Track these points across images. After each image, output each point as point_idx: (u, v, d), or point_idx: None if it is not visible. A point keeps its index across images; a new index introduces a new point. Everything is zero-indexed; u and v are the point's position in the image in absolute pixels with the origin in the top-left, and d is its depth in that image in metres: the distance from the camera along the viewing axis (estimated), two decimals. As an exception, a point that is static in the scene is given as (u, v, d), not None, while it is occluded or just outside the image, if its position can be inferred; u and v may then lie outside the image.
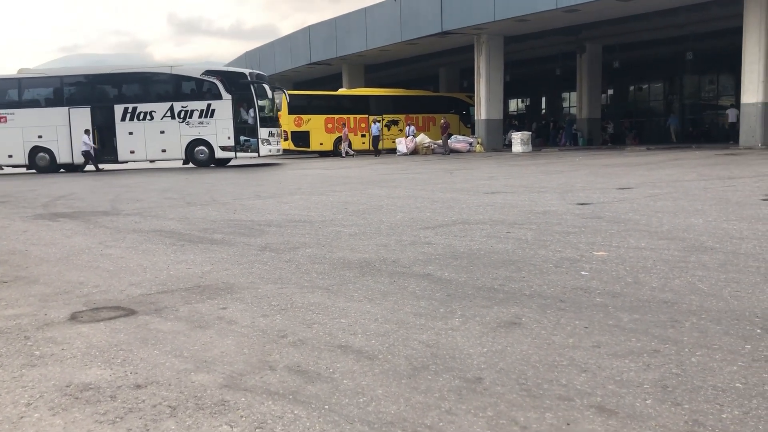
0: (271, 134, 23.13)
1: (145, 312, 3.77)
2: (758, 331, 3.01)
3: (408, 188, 11.34)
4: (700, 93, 35.73)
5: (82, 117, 23.22)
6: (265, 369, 2.77)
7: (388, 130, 32.31)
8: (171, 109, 22.74)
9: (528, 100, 45.73)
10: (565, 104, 42.13)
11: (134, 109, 23.00)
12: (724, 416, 2.17)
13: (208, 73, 23.02)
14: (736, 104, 25.51)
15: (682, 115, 35.21)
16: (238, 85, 22.45)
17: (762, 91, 20.45)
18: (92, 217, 8.68)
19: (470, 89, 31.76)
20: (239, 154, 22.76)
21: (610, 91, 39.29)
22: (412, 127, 30.38)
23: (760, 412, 2.18)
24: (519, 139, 27.53)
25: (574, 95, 35.99)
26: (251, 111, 22.50)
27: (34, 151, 23.56)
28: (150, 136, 22.95)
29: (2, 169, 24.76)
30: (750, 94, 20.78)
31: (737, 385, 2.41)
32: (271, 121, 23.51)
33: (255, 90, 22.47)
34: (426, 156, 28.08)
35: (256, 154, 22.81)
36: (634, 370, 2.59)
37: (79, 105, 23.31)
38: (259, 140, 22.47)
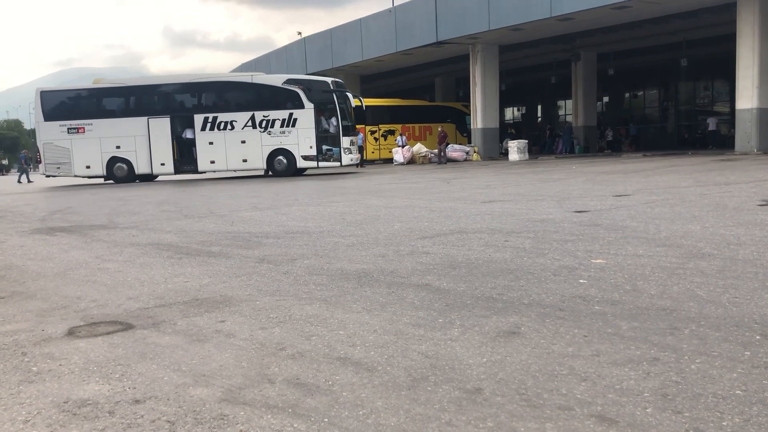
0: (351, 143, 22.94)
1: (143, 326, 3.75)
2: (757, 337, 3.01)
3: (405, 198, 11.34)
4: (695, 99, 35.87)
5: (162, 127, 23.13)
6: (264, 382, 2.76)
7: (385, 140, 32.37)
8: (252, 118, 22.41)
9: (524, 108, 45.87)
10: (561, 112, 42.26)
11: (214, 118, 22.74)
12: (724, 424, 2.17)
13: (290, 81, 22.56)
14: (731, 110, 25.63)
15: (677, 121, 35.30)
16: (320, 93, 22.14)
17: (756, 96, 20.55)
18: (89, 231, 8.67)
19: (466, 98, 31.87)
20: (321, 164, 22.44)
21: (606, 99, 39.44)
22: (404, 137, 30.48)
23: (761, 419, 2.18)
24: (515, 148, 27.60)
25: (569, 103, 36.10)
26: (333, 120, 22.21)
27: (112, 161, 23.46)
28: (231, 146, 22.68)
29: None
30: (744, 99, 20.88)
31: (737, 392, 2.41)
32: (351, 130, 23.27)
33: (337, 98, 22.12)
34: (423, 165, 28.12)
35: (339, 164, 22.48)
36: (634, 379, 2.59)
37: (158, 115, 23.16)
38: (342, 149, 22.25)
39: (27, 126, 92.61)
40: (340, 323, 3.61)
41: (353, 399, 2.53)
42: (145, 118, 23.07)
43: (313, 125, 22.04)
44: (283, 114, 22.17)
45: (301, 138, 22.13)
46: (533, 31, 25.72)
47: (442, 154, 28.42)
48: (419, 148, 30.03)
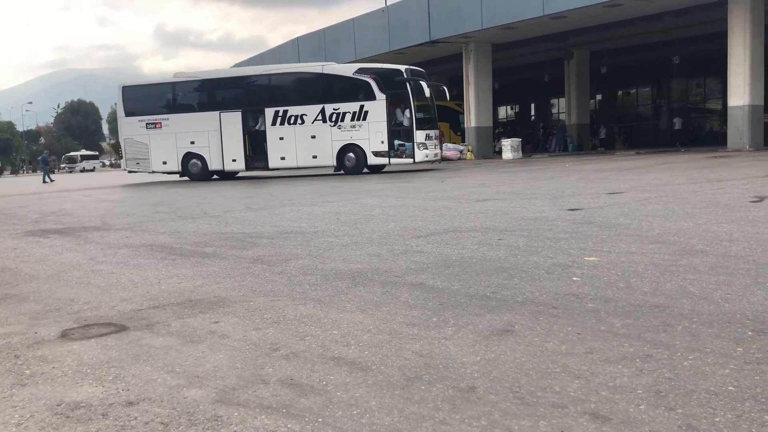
0: (428, 137, 20.67)
1: (137, 328, 3.75)
2: (749, 333, 3.02)
3: (399, 197, 11.34)
4: (687, 96, 35.99)
5: (234, 121, 22.14)
6: (257, 383, 2.76)
7: None
8: (322, 111, 20.86)
9: (517, 106, 45.93)
10: (554, 110, 42.34)
11: (285, 112, 21.43)
12: (717, 420, 2.18)
13: (361, 71, 20.64)
14: (723, 107, 25.73)
15: (670, 118, 35.44)
16: (392, 83, 20.04)
17: (748, 93, 20.62)
18: (83, 233, 8.64)
19: (459, 97, 31.90)
20: (393, 160, 20.49)
21: (599, 97, 39.53)
22: None
23: (753, 415, 2.19)
24: (509, 146, 27.64)
25: (563, 101, 36.18)
26: (407, 112, 20.16)
27: (187, 157, 22.91)
28: (301, 142, 21.30)
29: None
30: (737, 97, 20.95)
31: (730, 388, 2.42)
32: (428, 123, 21.03)
33: (411, 88, 19.94)
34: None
35: (411, 160, 20.33)
36: (627, 376, 2.59)
37: (230, 109, 22.22)
38: (415, 144, 20.07)
39: (20, 128, 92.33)
40: (334, 323, 3.61)
41: (347, 399, 2.53)
42: (217, 112, 22.24)
43: (385, 118, 20.14)
44: (353, 106, 20.42)
45: (372, 132, 20.32)
46: (526, 30, 25.75)
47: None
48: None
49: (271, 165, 22.01)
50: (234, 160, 22.39)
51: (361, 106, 20.35)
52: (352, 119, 20.48)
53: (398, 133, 20.27)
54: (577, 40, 28.92)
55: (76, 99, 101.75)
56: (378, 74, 20.33)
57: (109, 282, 5.17)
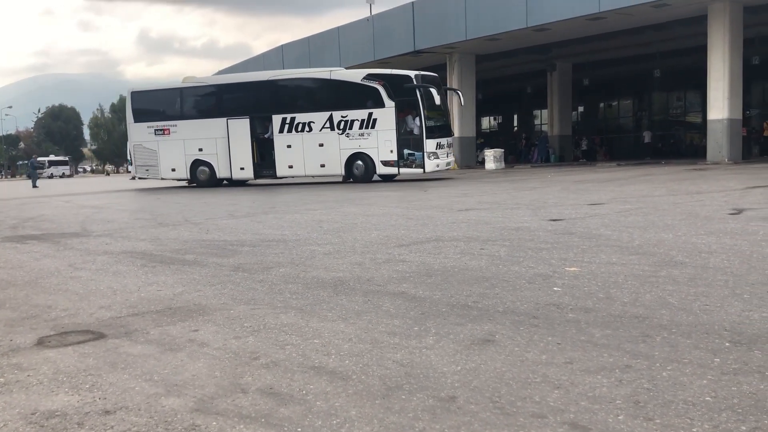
0: (439, 146, 19.60)
1: (115, 335, 3.70)
2: (727, 344, 3.05)
3: (383, 206, 11.35)
4: (668, 109, 36.43)
5: (242, 128, 21.46)
6: (237, 392, 2.74)
7: None
8: (330, 119, 20.09)
9: (500, 117, 46.19)
10: (537, 121, 42.63)
11: (292, 119, 20.72)
12: (694, 430, 2.19)
13: (370, 77, 19.67)
14: (703, 120, 26.09)
15: (650, 131, 35.86)
16: (402, 89, 19.08)
17: (727, 107, 20.91)
18: (62, 239, 8.54)
19: (443, 107, 31.94)
20: (402, 170, 19.53)
21: (581, 108, 39.88)
22: None
23: (729, 426, 2.21)
24: (492, 157, 27.77)
25: (545, 112, 36.45)
26: (417, 120, 19.14)
27: (195, 164, 22.35)
28: (309, 150, 20.51)
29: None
30: (716, 110, 21.23)
31: (707, 398, 2.44)
32: (440, 131, 20.06)
33: (421, 95, 18.83)
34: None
35: (421, 170, 19.32)
36: (607, 386, 2.60)
37: (237, 116, 21.52)
38: (425, 154, 19.06)
39: (0, 132, 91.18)
40: (315, 332, 3.59)
41: (327, 408, 2.52)
42: (225, 119, 21.61)
43: (394, 126, 19.30)
44: (362, 114, 19.61)
45: (380, 141, 19.50)
46: (509, 41, 25.94)
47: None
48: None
49: (278, 173, 21.40)
50: (242, 168, 21.84)
51: (370, 114, 19.58)
52: (361, 127, 19.75)
53: (408, 141, 19.38)
54: (560, 52, 29.18)
55: (57, 104, 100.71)
56: (387, 80, 19.47)
57: (88, 289, 5.11)
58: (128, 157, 24.06)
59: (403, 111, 19.30)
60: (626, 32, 24.78)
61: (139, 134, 22.99)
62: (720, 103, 21.02)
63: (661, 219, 7.57)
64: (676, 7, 20.64)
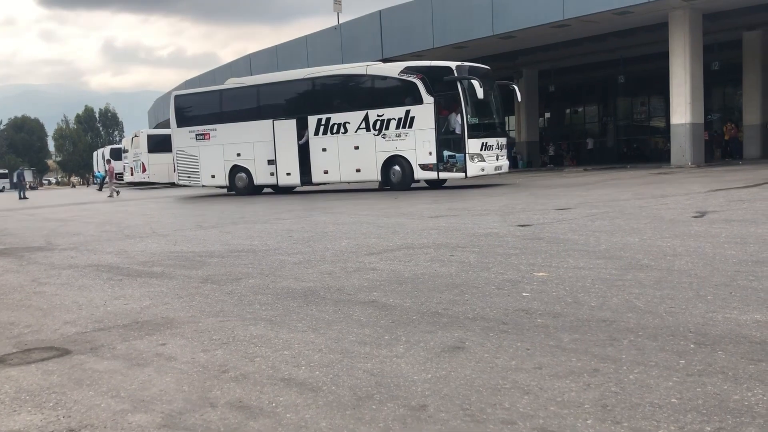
0: (485, 147, 17.21)
1: (80, 351, 3.63)
2: (692, 346, 3.10)
3: (353, 214, 11.33)
4: (632, 115, 37.07)
5: (287, 131, 19.79)
6: (205, 406, 2.70)
7: None
8: (366, 118, 18.26)
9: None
10: (505, 128, 43.02)
11: (327, 120, 19.04)
12: (661, 432, 2.22)
13: (408, 70, 17.63)
14: (667, 125, 26.60)
15: (616, 136, 36.43)
16: (442, 83, 16.93)
17: (689, 112, 21.36)
18: (25, 254, 8.37)
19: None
20: (442, 174, 17.46)
21: (548, 115, 40.38)
22: None
23: (695, 427, 2.24)
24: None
25: (512, 119, 36.84)
26: (458, 117, 16.86)
27: (234, 170, 21.07)
28: (344, 153, 18.80)
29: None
30: (678, 115, 21.67)
31: (673, 400, 2.47)
32: (487, 129, 17.69)
33: (462, 89, 16.61)
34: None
35: (462, 174, 17.07)
36: (575, 391, 2.63)
37: (280, 117, 19.97)
38: (467, 156, 16.80)
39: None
40: (285, 343, 3.56)
41: (297, 420, 2.50)
42: (261, 121, 20.25)
43: (433, 125, 17.19)
44: (399, 112, 17.66)
45: (419, 142, 17.44)
46: (476, 49, 26.17)
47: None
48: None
49: (314, 180, 19.73)
50: (288, 174, 20.05)
51: (407, 111, 17.58)
52: (398, 127, 17.80)
53: (448, 142, 17.18)
54: (527, 60, 29.56)
55: (20, 115, 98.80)
56: (426, 73, 17.35)
57: (52, 304, 5.01)
58: (173, 163, 22.94)
59: (444, 107, 17.22)
60: (591, 39, 25.22)
61: (181, 139, 22.13)
62: (682, 108, 21.47)
63: (627, 223, 7.69)
64: (639, 14, 21.05)
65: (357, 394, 2.74)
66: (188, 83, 45.19)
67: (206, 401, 2.76)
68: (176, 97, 22.94)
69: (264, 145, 20.24)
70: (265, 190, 21.27)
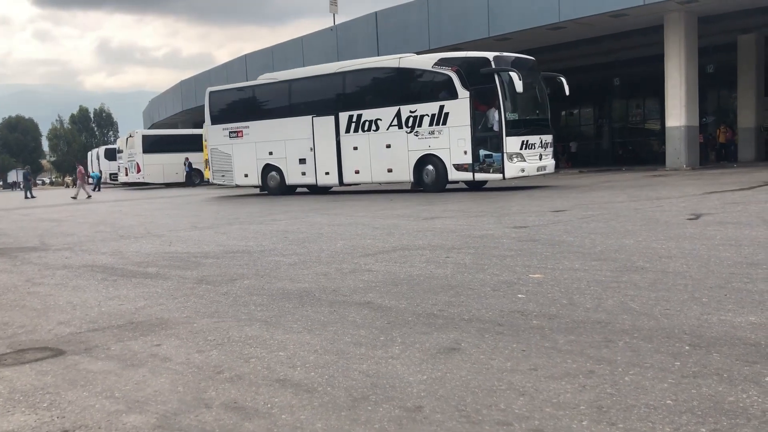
0: (526, 145, 15.69)
1: (75, 352, 3.62)
2: (687, 347, 3.11)
3: (349, 215, 11.33)
4: (628, 117, 37.16)
5: (326, 127, 18.69)
6: (200, 407, 2.69)
7: None
8: (398, 115, 17.07)
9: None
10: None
11: (359, 117, 17.94)
12: (656, 434, 2.22)
13: (442, 62, 16.31)
14: (662, 128, 26.67)
15: (611, 138, 36.49)
16: (478, 76, 15.54)
17: (684, 114, 21.42)
18: (19, 254, 8.34)
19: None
20: (477, 175, 16.08)
21: (543, 116, 40.45)
22: None
23: (690, 428, 2.24)
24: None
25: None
26: (495, 113, 15.43)
27: (266, 169, 20.29)
28: (375, 152, 17.69)
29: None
30: (674, 118, 21.73)
31: (668, 402, 2.48)
32: (528, 126, 16.05)
33: (501, 82, 15.17)
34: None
35: (500, 175, 15.61)
36: (571, 392, 2.63)
37: (319, 113, 18.89)
38: (504, 155, 15.37)
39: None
40: (280, 344, 3.56)
41: (292, 422, 2.49)
42: (289, 119, 19.43)
43: (469, 122, 15.82)
44: (432, 107, 16.39)
45: (453, 140, 16.15)
46: (472, 51, 26.23)
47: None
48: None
49: (345, 180, 18.72)
50: (327, 173, 18.97)
51: (441, 107, 16.29)
52: (431, 123, 16.55)
53: (485, 140, 15.82)
54: (522, 62, 29.59)
55: (14, 115, 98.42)
56: (461, 65, 16.02)
57: (47, 304, 4.99)
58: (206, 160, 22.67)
59: (481, 102, 15.85)
60: (586, 41, 25.27)
61: (215, 137, 21.61)
62: (677, 111, 21.53)
63: (622, 225, 7.71)
64: (634, 17, 21.11)
65: (352, 395, 2.73)
66: (183, 84, 45.14)
67: (201, 402, 2.75)
68: (211, 93, 22.19)
69: (296, 143, 19.36)
70: (299, 189, 20.59)
